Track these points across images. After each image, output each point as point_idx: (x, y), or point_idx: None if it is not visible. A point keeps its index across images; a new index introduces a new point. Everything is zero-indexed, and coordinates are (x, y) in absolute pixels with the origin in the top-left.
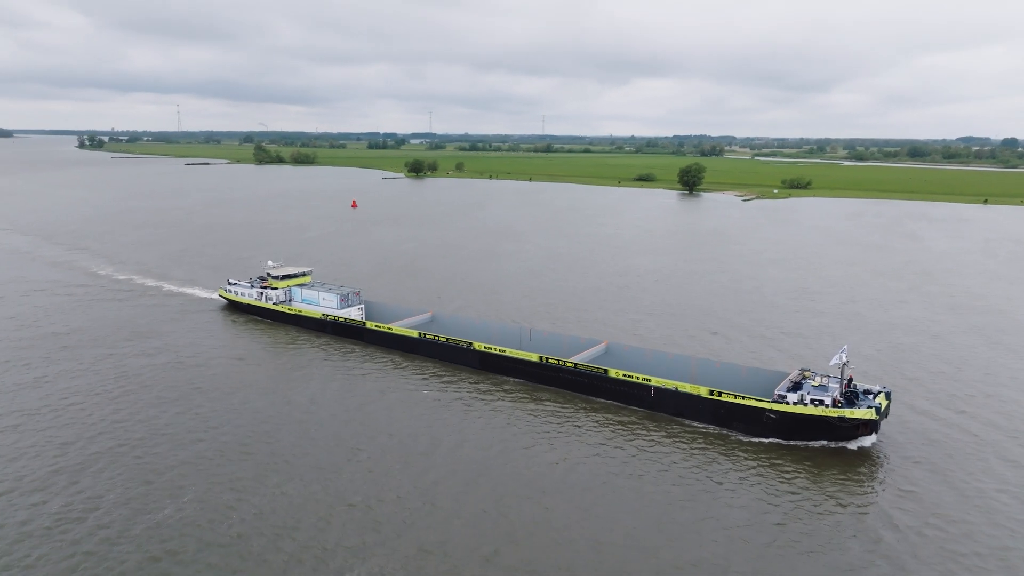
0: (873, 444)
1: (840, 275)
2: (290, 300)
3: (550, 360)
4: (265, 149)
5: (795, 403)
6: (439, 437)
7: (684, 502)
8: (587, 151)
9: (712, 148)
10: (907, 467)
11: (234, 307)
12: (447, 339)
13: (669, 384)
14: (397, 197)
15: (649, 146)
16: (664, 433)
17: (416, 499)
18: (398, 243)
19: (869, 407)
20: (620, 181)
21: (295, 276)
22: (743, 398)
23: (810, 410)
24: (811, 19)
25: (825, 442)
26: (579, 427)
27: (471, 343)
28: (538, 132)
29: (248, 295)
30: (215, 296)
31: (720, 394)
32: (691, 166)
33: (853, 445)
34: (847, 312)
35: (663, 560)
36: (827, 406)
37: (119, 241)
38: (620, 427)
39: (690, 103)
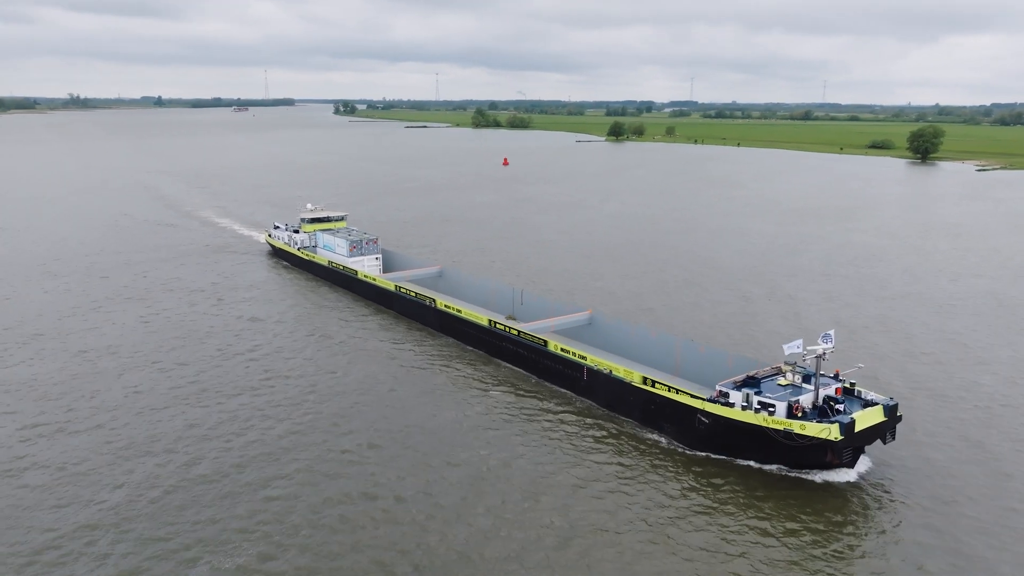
0: (860, 477)
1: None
2: (315, 246)
3: (498, 325)
4: (484, 114)
5: (737, 405)
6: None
7: None
8: (854, 119)
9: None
10: (883, 545)
11: (275, 251)
12: (416, 294)
13: (603, 365)
14: (561, 159)
15: (942, 115)
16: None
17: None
18: (508, 200)
19: (832, 422)
20: (843, 148)
21: (324, 220)
22: (676, 392)
23: (747, 416)
24: None
25: (779, 467)
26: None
27: (434, 300)
28: (818, 100)
29: (282, 239)
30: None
31: (653, 384)
32: (924, 130)
33: (818, 477)
34: None
35: None
36: (770, 413)
37: (246, 186)
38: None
39: (1018, 65)
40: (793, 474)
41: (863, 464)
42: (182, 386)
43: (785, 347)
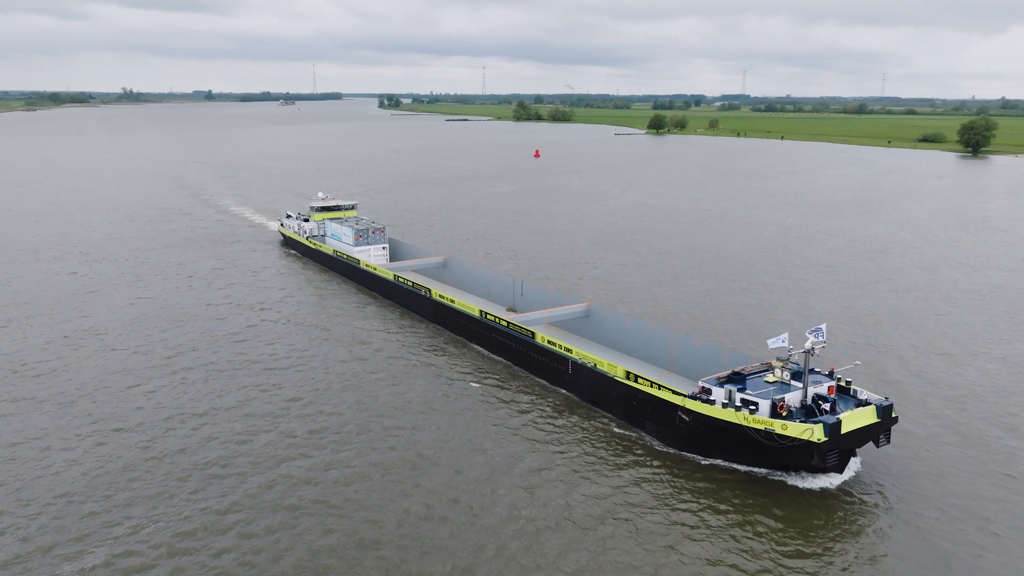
0: (846, 482)
1: None
2: (323, 235)
3: (488, 316)
4: (525, 107)
5: (719, 402)
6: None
7: None
8: (911, 112)
9: None
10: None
11: (285, 240)
12: (413, 284)
13: (588, 359)
14: (594, 151)
15: (1006, 108)
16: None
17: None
18: (528, 190)
19: (816, 423)
20: (890, 142)
21: (334, 209)
22: (658, 387)
23: (728, 414)
24: None
25: (755, 469)
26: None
27: (429, 290)
28: (876, 94)
29: (292, 228)
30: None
31: (636, 378)
32: (976, 123)
33: (800, 481)
34: None
35: None
36: (751, 412)
37: (273, 176)
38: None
39: None
40: (775, 477)
41: (853, 468)
42: (158, 365)
43: (769, 341)
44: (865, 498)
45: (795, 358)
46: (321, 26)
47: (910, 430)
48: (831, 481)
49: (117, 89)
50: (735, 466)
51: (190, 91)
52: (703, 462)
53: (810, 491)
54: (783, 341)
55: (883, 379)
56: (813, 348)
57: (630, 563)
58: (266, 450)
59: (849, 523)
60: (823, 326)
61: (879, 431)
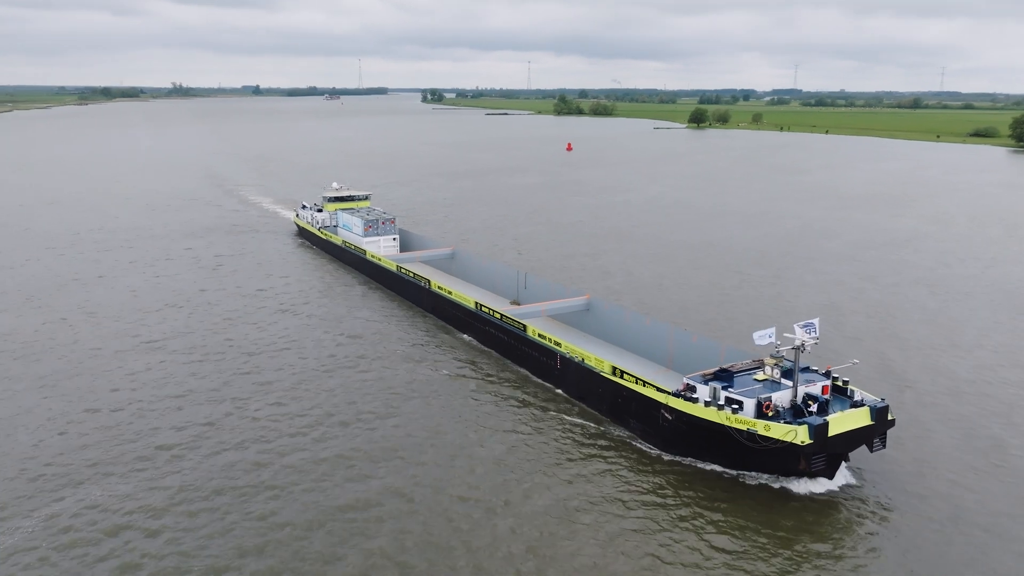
0: (840, 487)
1: None
2: (335, 225)
3: (483, 308)
4: (566, 101)
5: (702, 400)
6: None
7: None
8: (968, 107)
9: None
10: None
11: (300, 231)
12: (414, 275)
13: (575, 353)
14: (629, 144)
15: None
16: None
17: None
18: (546, 183)
19: (801, 424)
20: (939, 136)
21: (348, 200)
22: (643, 384)
23: (710, 413)
24: None
25: (753, 473)
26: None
27: (428, 281)
28: (935, 88)
29: (306, 218)
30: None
31: (622, 374)
32: None
33: (786, 485)
34: None
35: None
36: (734, 411)
37: (301, 168)
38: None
39: None
40: (755, 481)
41: (844, 475)
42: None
43: (755, 336)
44: (852, 507)
45: (785, 354)
46: (367, 21)
47: (911, 434)
48: (810, 488)
49: (167, 84)
50: (715, 468)
51: (239, 86)
52: (684, 463)
53: (789, 496)
54: (770, 336)
55: (884, 380)
56: (804, 344)
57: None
58: (218, 434)
59: (825, 537)
60: (816, 321)
61: (873, 434)
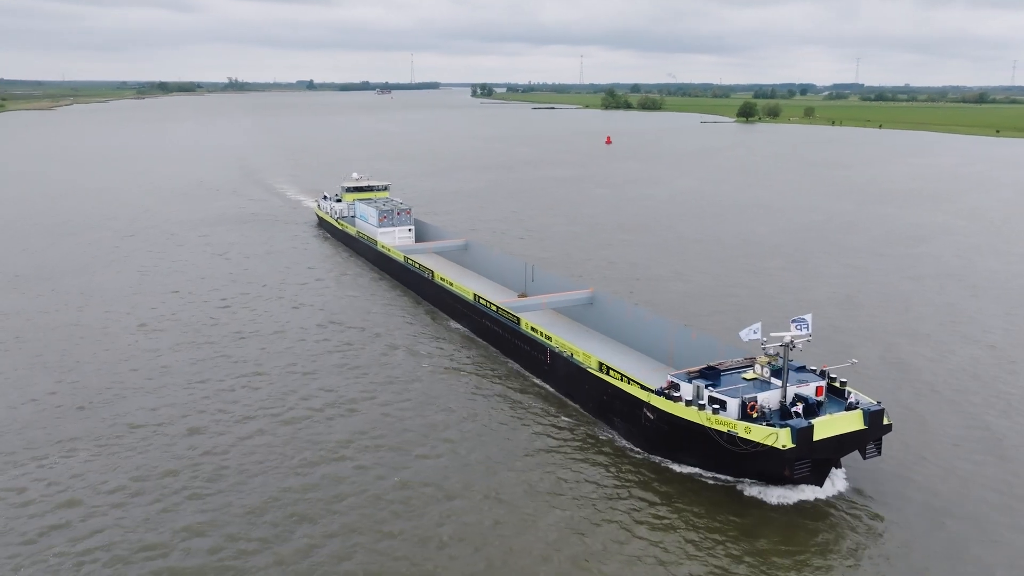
0: (827, 496)
1: None
2: (353, 215)
3: (481, 300)
4: (614, 95)
5: (684, 399)
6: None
7: None
8: None
9: None
10: None
11: (320, 222)
12: (419, 266)
13: (565, 347)
14: (671, 138)
15: None
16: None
17: None
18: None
19: (783, 427)
20: (998, 131)
21: (366, 190)
22: (628, 381)
23: (690, 413)
24: None
25: (741, 479)
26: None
27: (432, 272)
28: (1006, 83)
29: (325, 209)
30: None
31: (608, 370)
32: None
33: (766, 492)
34: None
35: None
36: (715, 411)
37: (336, 160)
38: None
39: None
40: (738, 486)
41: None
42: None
43: (741, 333)
44: (838, 518)
45: (773, 352)
46: (422, 15)
47: (913, 439)
48: (791, 496)
49: (223, 79)
50: (701, 473)
51: (293, 81)
52: (668, 466)
53: (766, 504)
54: (755, 332)
55: (887, 379)
56: (793, 341)
57: None
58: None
59: (808, 543)
60: (808, 316)
61: (866, 439)
